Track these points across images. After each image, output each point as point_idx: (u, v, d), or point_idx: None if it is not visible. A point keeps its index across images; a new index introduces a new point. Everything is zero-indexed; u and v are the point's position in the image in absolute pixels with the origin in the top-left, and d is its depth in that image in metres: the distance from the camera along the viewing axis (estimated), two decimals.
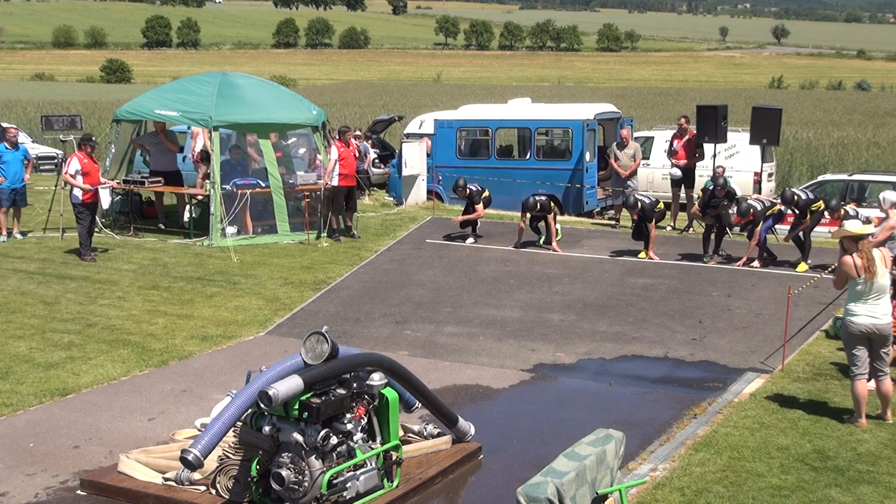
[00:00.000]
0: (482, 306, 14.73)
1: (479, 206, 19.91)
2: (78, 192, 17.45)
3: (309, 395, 7.82)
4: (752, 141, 21.34)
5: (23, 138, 27.55)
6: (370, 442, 8.31)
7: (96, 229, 18.25)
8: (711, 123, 20.66)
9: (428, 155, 24.11)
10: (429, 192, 24.07)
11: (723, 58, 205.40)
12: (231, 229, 19.09)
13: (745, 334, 13.31)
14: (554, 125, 24.25)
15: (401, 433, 8.78)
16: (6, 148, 19.30)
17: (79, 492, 8.47)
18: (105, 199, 17.78)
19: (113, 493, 8.37)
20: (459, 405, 10.22)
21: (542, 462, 7.07)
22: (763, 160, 22.49)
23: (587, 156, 22.45)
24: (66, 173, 17.84)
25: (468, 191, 19.74)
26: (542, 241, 19.34)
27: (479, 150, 24.45)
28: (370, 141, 27.65)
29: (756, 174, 22.91)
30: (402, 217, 22.51)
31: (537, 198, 18.75)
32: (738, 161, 23.58)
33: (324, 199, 19.85)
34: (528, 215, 18.85)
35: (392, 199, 25.23)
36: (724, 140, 21.50)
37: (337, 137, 20.14)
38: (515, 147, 25.84)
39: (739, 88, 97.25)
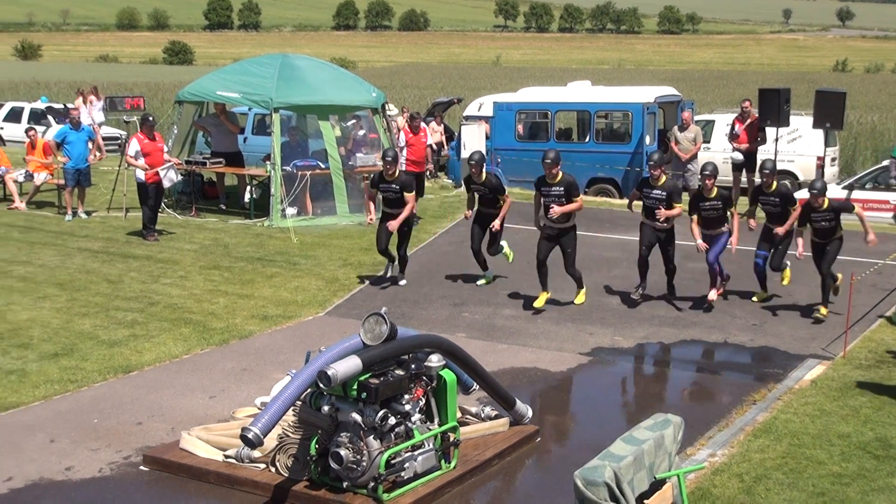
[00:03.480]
0: (540, 289, 14.69)
1: (506, 196, 15.01)
2: (140, 173, 17.66)
3: (367, 375, 7.85)
4: (816, 125, 21.05)
5: (99, 117, 28.07)
6: (428, 423, 8.33)
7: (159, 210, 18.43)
8: (774, 107, 20.39)
9: (487, 138, 24.04)
10: (487, 174, 23.97)
11: (786, 40, 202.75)
12: (291, 210, 19.20)
13: (806, 321, 13.16)
14: (613, 108, 24.06)
15: (458, 415, 8.78)
16: (70, 128, 19.59)
17: (141, 467, 8.60)
18: (167, 180, 17.93)
19: (174, 470, 8.48)
20: (517, 388, 10.20)
21: (599, 446, 7.03)
22: (826, 144, 22.18)
23: (647, 139, 22.26)
24: (126, 155, 18.07)
25: (482, 172, 14.86)
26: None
27: (538, 133, 24.35)
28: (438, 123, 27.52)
29: (819, 159, 22.59)
30: (461, 199, 22.49)
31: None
32: (801, 145, 23.27)
33: None
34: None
35: (451, 181, 25.22)
36: (787, 124, 21.20)
37: (396, 120, 20.17)
38: (575, 130, 25.70)
39: (802, 71, 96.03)
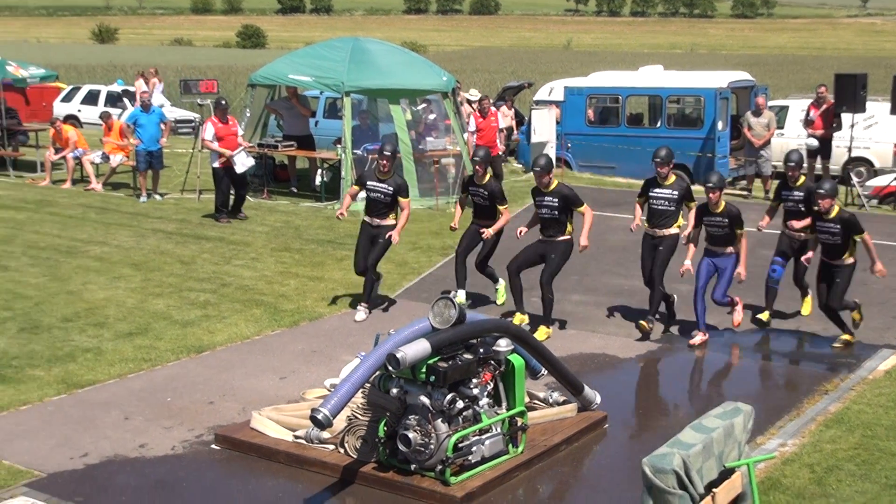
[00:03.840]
0: (610, 275, 14.62)
1: (505, 209, 12.93)
2: (215, 157, 17.87)
3: (436, 359, 7.88)
4: (893, 111, 20.65)
5: (159, 100, 28.40)
6: (496, 407, 8.34)
7: (232, 192, 18.59)
8: (850, 92, 20.05)
9: (557, 122, 23.94)
10: (557, 159, 23.91)
11: (863, 24, 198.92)
12: (362, 194, 19.24)
13: (881, 310, 12.91)
14: (686, 93, 23.80)
15: (526, 400, 8.79)
16: (140, 111, 19.88)
17: (213, 446, 8.73)
18: (240, 164, 18.08)
19: (245, 449, 8.59)
20: (585, 374, 10.17)
21: (668, 434, 6.99)
22: None
23: (719, 125, 21.99)
24: (203, 139, 18.30)
25: (486, 173, 12.87)
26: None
27: (608, 118, 24.18)
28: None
29: None
30: (531, 183, 22.38)
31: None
32: (877, 132, 22.82)
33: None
34: None
35: (520, 165, 25.16)
36: (863, 110, 20.83)
37: (465, 104, 20.14)
38: (646, 115, 25.47)
39: (880, 56, 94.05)
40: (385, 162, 12.22)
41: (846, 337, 11.50)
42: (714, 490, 6.30)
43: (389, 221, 12.60)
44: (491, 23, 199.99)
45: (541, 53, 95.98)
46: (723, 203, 11.32)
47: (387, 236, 12.41)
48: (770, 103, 23.28)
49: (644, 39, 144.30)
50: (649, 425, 9.20)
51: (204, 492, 8.04)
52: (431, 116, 21.65)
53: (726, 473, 6.55)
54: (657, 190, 12.22)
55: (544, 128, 23.70)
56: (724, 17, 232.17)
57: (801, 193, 12.07)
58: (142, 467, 8.31)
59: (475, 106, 21.47)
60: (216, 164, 17.92)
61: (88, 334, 11.53)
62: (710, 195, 11.27)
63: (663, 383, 10.55)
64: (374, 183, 12.46)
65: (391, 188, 12.33)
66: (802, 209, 12.06)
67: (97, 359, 10.75)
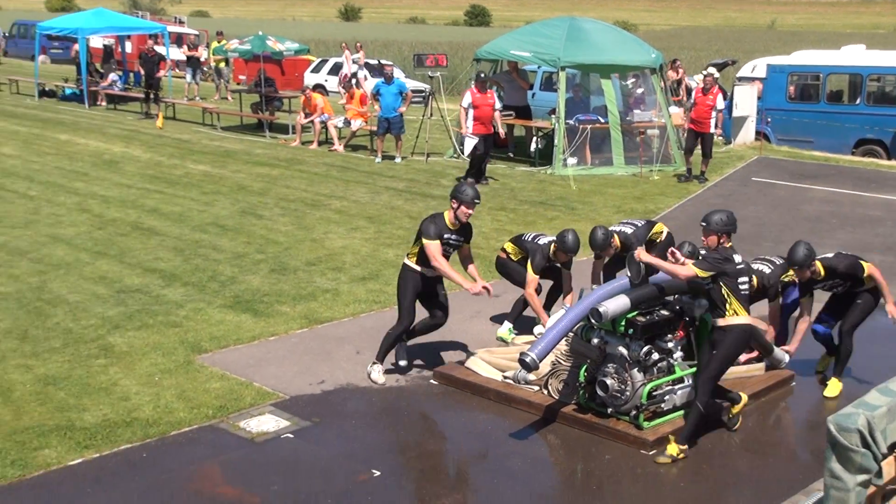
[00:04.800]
0: None
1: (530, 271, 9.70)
2: (470, 124, 18.04)
3: (635, 313, 7.83)
4: None
5: (353, 69, 29.05)
6: (688, 361, 8.23)
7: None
8: None
9: (758, 98, 23.10)
10: (757, 133, 23.12)
11: None
12: (572, 160, 19.20)
13: None
14: (887, 72, 22.43)
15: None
16: (383, 82, 20.30)
17: (431, 381, 8.92)
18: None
19: (460, 385, 8.76)
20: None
21: (853, 395, 6.71)
22: None
23: None
24: (460, 105, 18.57)
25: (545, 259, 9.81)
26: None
27: (808, 95, 23.11)
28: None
29: None
30: (730, 156, 21.75)
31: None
32: None
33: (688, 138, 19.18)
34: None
35: (721, 138, 24.43)
36: None
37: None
38: (845, 92, 24.21)
39: None
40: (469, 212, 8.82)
41: (833, 387, 8.82)
42: None
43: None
44: (698, 3, 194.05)
45: (745, 33, 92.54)
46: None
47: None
48: None
49: (847, 20, 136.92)
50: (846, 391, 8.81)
51: (422, 420, 8.26)
52: (639, 90, 21.27)
53: None
54: None
55: (746, 103, 22.96)
56: None
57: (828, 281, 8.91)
58: (370, 396, 8.59)
59: (699, 83, 20.72)
60: (471, 132, 18.06)
61: (328, 277, 11.93)
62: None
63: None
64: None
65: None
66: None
67: (334, 299, 11.13)
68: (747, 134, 23.31)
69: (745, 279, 7.69)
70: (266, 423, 7.94)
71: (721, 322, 7.51)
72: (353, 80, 26.72)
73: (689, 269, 7.39)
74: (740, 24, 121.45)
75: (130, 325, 10.09)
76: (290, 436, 7.77)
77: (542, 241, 9.87)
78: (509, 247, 10.20)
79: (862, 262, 8.78)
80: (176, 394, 8.44)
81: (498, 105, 18.64)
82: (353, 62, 31.04)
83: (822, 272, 8.59)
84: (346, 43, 32.54)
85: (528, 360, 7.64)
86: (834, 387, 8.76)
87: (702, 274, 7.41)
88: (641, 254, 7.76)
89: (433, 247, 8.66)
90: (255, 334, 9.94)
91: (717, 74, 23.28)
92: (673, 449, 7.37)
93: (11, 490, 6.85)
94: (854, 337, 8.84)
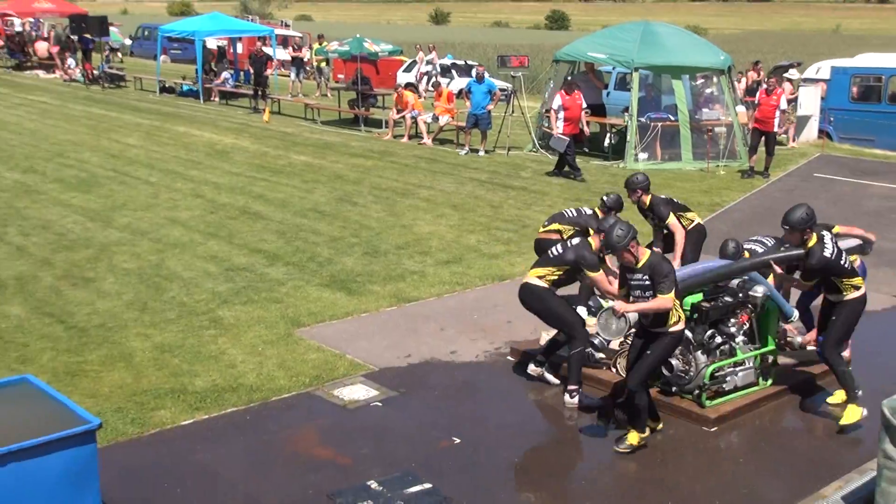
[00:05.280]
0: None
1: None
2: (560, 125, 17.93)
3: (700, 298, 7.74)
4: None
5: (425, 69, 28.93)
6: (750, 345, 8.08)
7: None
8: None
9: (822, 98, 22.49)
10: (820, 131, 22.53)
11: None
12: (643, 155, 18.96)
13: None
14: None
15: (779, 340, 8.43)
16: (475, 81, 20.30)
17: (508, 357, 8.91)
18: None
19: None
20: None
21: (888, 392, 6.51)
22: None
23: None
24: (551, 108, 18.44)
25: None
26: None
27: (870, 96, 22.36)
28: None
29: None
30: (794, 153, 21.23)
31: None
32: None
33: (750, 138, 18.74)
34: None
35: (784, 136, 23.84)
36: None
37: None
38: None
39: None
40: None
41: (837, 400, 7.90)
42: None
43: None
44: (766, 9, 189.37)
45: (811, 37, 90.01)
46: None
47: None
48: None
49: None
50: (889, 372, 8.55)
51: (499, 393, 8.25)
52: (709, 91, 20.88)
53: None
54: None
55: (810, 103, 22.39)
56: None
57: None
58: (451, 369, 8.61)
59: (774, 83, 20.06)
60: (560, 129, 17.93)
61: (415, 260, 11.98)
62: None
63: None
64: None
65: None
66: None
67: (421, 280, 11.17)
68: (810, 132, 22.71)
69: None
70: (357, 392, 8.02)
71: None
72: (426, 79, 26.78)
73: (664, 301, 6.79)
74: (806, 29, 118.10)
75: (237, 300, 10.27)
76: (379, 404, 7.84)
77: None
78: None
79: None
80: (277, 363, 8.58)
81: (584, 105, 18.52)
82: (427, 62, 30.99)
83: (814, 240, 7.42)
84: (419, 45, 32.53)
85: (597, 341, 7.68)
86: (850, 413, 7.45)
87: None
88: (620, 306, 6.86)
89: (600, 278, 7.92)
90: (348, 311, 10.04)
91: (796, 76, 22.71)
92: (633, 438, 6.99)
93: (131, 445, 7.05)
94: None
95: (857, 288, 7.50)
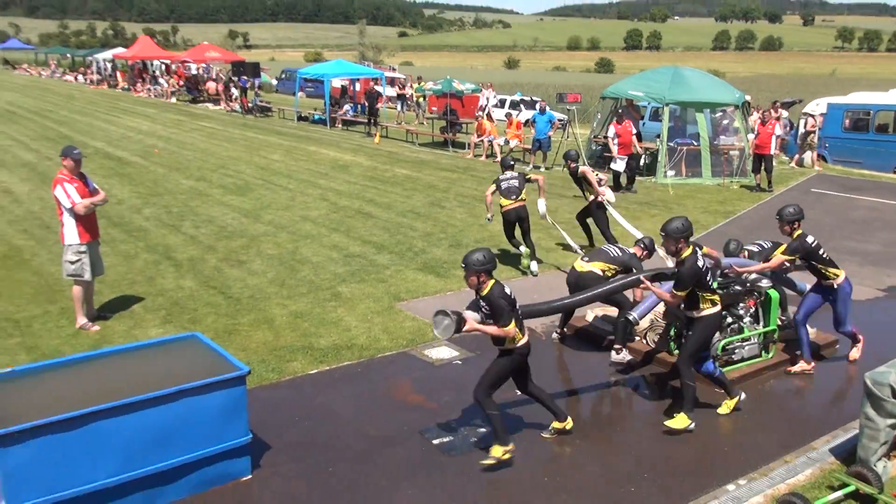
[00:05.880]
0: (849, 240, 13.14)
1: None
2: (615, 149, 17.66)
3: (715, 285, 7.52)
4: None
5: (482, 101, 28.63)
6: (755, 325, 7.85)
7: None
8: None
9: (819, 128, 21.67)
10: (818, 155, 21.73)
11: None
12: (671, 172, 18.54)
13: None
14: None
15: (778, 322, 8.16)
16: (539, 113, 20.17)
17: (565, 331, 8.80)
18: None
19: (581, 335, 8.61)
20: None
21: (888, 358, 6.24)
22: None
23: None
24: (607, 136, 18.14)
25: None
26: None
27: (860, 127, 21.48)
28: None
29: None
30: (794, 172, 20.53)
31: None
32: None
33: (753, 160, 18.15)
34: None
35: (787, 158, 23.07)
36: None
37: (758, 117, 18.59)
38: (891, 125, 22.39)
39: None
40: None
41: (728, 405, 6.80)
42: None
43: None
44: (775, 57, 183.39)
45: (812, 79, 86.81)
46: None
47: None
48: None
49: None
50: (872, 352, 8.18)
51: (559, 357, 8.15)
52: (725, 122, 20.32)
53: None
54: None
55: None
56: None
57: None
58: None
59: (769, 115, 19.35)
60: (617, 154, 17.65)
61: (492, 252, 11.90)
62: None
63: (886, 322, 9.36)
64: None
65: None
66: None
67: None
68: (810, 155, 21.92)
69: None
70: (442, 353, 8.04)
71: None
72: (486, 111, 26.67)
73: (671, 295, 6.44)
74: (808, 73, 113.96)
75: (352, 279, 10.38)
76: (459, 363, 7.84)
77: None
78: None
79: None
80: (381, 328, 8.65)
81: (635, 131, 18.18)
82: (487, 98, 30.73)
83: (689, 251, 6.41)
84: (482, 83, 32.32)
85: (630, 317, 7.52)
86: (678, 421, 6.39)
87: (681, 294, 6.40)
88: (469, 324, 5.89)
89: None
90: (437, 289, 10.05)
91: (785, 113, 22.01)
92: (497, 451, 5.88)
93: (272, 388, 7.19)
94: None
95: (714, 304, 6.48)
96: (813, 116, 21.62)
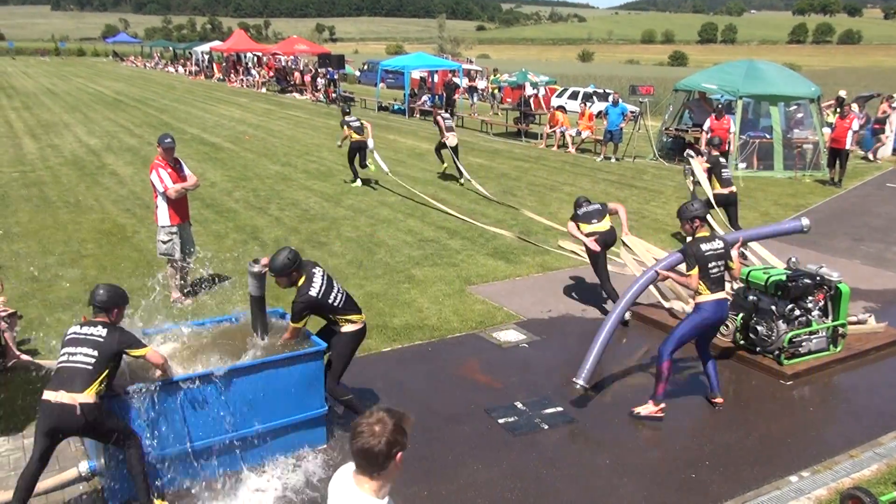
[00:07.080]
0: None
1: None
2: (703, 140, 17.20)
3: (784, 278, 7.29)
4: None
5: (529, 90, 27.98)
6: (824, 318, 7.54)
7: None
8: None
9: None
10: (894, 149, 20.66)
11: None
12: (742, 164, 17.94)
13: None
14: None
15: (849, 317, 7.82)
16: (611, 105, 19.79)
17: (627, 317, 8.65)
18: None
19: (649, 322, 8.44)
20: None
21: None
22: None
23: None
24: (703, 131, 17.69)
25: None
26: None
27: None
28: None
29: None
30: (869, 166, 19.57)
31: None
32: None
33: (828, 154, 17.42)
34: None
35: (862, 152, 22.01)
36: None
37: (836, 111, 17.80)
38: None
39: None
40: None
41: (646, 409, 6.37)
42: None
43: None
44: (853, 50, 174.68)
45: (891, 73, 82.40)
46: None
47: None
48: None
49: None
50: None
51: (619, 342, 8.02)
52: (800, 115, 19.50)
53: None
54: None
55: (890, 125, 20.56)
56: None
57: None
58: (582, 323, 8.45)
59: (848, 109, 18.52)
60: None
61: (558, 239, 11.79)
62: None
63: None
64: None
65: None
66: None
67: (561, 255, 10.99)
68: (886, 150, 20.88)
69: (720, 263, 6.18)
70: (510, 335, 8.01)
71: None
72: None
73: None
74: (888, 67, 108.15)
75: (426, 263, 10.43)
76: (526, 345, 7.79)
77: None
78: None
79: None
80: (452, 310, 8.67)
81: (733, 128, 17.59)
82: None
83: (302, 279, 5.67)
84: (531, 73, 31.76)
85: (577, 385, 6.48)
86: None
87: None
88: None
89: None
90: (506, 275, 10.01)
91: (855, 107, 21.12)
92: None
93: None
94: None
95: (353, 322, 5.74)
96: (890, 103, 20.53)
